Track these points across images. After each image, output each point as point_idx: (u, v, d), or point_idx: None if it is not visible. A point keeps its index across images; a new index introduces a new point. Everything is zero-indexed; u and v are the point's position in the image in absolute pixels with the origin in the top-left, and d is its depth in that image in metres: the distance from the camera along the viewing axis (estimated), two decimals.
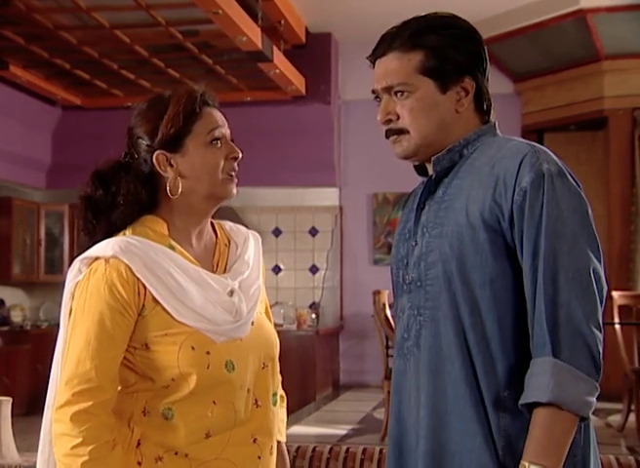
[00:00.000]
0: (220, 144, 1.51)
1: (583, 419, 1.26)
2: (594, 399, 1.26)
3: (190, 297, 1.44)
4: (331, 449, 1.98)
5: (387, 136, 1.43)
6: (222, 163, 1.51)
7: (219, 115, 1.54)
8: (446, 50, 1.38)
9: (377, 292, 5.47)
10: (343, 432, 5.84)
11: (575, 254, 1.28)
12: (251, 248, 1.60)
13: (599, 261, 1.30)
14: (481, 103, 1.42)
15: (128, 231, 1.49)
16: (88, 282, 1.43)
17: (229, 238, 1.60)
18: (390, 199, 8.11)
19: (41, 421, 1.50)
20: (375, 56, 1.43)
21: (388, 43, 1.40)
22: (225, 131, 1.53)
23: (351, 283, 8.10)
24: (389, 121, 1.41)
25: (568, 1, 6.67)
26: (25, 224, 7.89)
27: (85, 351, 1.40)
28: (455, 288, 1.32)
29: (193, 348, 1.42)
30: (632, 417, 5.35)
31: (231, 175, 1.52)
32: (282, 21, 6.99)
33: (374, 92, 1.43)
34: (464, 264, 1.32)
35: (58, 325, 1.51)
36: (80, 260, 1.47)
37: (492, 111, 1.44)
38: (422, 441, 1.34)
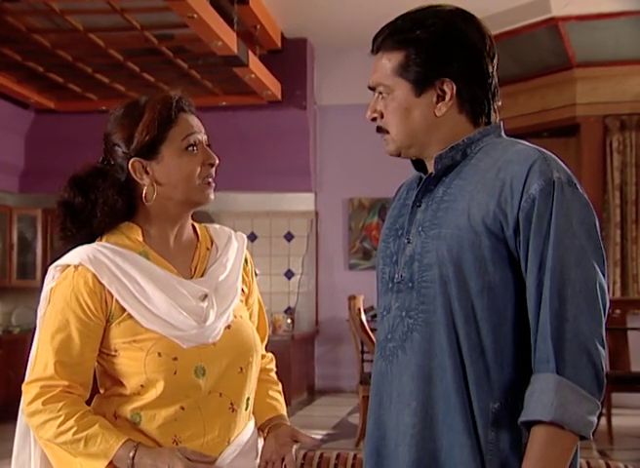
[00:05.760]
0: (195, 150, 1.51)
1: (583, 439, 1.22)
2: (595, 418, 1.22)
3: (155, 304, 1.45)
4: (305, 455, 1.97)
5: (378, 132, 1.41)
6: (199, 169, 1.51)
7: (195, 121, 1.53)
8: (423, 50, 1.33)
9: (352, 297, 5.48)
10: (318, 437, 5.82)
11: (582, 268, 1.23)
12: (232, 250, 1.59)
13: (604, 275, 1.26)
14: (472, 105, 1.35)
15: (104, 238, 1.50)
16: (57, 288, 1.46)
17: (212, 240, 1.60)
18: (366, 204, 8.14)
19: (13, 429, 1.50)
20: (372, 53, 1.41)
21: (378, 41, 1.38)
22: (202, 137, 1.53)
23: (327, 288, 8.10)
24: (375, 119, 1.39)
25: (540, 9, 6.76)
26: None
27: (51, 355, 1.43)
28: (450, 293, 1.27)
29: (160, 354, 1.43)
30: (603, 421, 5.43)
31: (208, 182, 1.52)
32: (258, 26, 6.99)
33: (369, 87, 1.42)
34: (462, 270, 1.27)
35: (30, 330, 1.51)
36: (54, 267, 1.49)
37: (493, 113, 1.37)
38: (412, 449, 1.29)
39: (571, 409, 1.19)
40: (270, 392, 1.64)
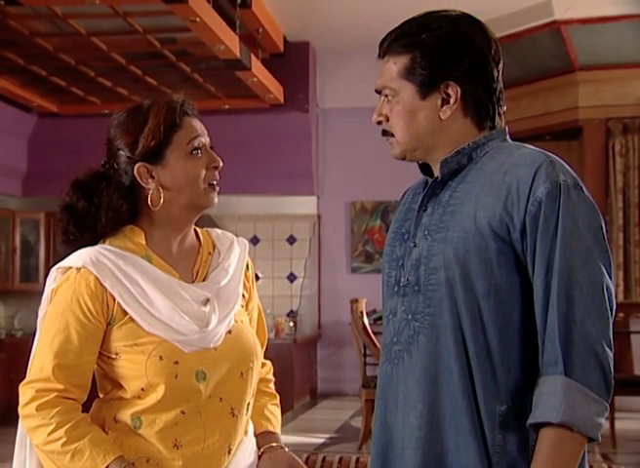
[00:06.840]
0: (200, 154, 1.51)
1: (592, 440, 1.22)
2: (604, 420, 1.22)
3: (157, 308, 1.45)
4: (307, 458, 1.97)
5: (383, 135, 1.42)
6: (204, 172, 1.51)
7: (198, 124, 1.54)
8: (428, 53, 1.34)
9: (354, 301, 5.48)
10: (321, 440, 5.83)
11: (589, 270, 1.24)
12: (234, 255, 1.59)
13: (610, 277, 1.26)
14: (477, 109, 1.36)
15: (107, 241, 1.50)
16: (59, 290, 1.46)
17: (215, 245, 1.60)
18: (368, 207, 8.14)
19: (16, 432, 1.51)
20: (379, 57, 1.42)
21: (384, 45, 1.40)
22: (205, 139, 1.53)
23: (329, 291, 8.10)
24: (380, 122, 1.40)
25: (542, 12, 6.76)
26: (0, 232, 7.80)
27: (49, 357, 1.43)
28: (457, 296, 1.28)
29: (161, 358, 1.43)
30: (607, 424, 5.42)
31: (213, 185, 1.53)
32: (260, 30, 7.01)
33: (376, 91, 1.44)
34: (468, 273, 1.28)
35: (32, 333, 1.51)
36: (56, 269, 1.49)
37: (497, 117, 1.38)
38: (419, 452, 1.29)
39: (579, 411, 1.20)
40: (269, 406, 1.64)
